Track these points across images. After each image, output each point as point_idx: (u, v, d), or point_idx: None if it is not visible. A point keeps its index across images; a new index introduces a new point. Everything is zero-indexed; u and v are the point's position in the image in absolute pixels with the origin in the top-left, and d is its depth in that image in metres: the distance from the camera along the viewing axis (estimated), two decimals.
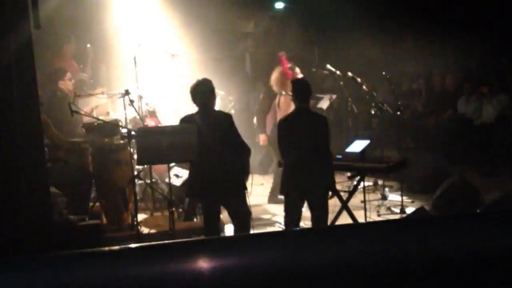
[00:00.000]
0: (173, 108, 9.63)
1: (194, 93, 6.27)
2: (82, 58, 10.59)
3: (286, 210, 6.61)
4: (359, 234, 3.13)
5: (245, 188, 6.28)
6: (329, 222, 7.29)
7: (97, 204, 7.70)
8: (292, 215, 6.53)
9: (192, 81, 6.42)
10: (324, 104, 9.45)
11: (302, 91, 6.57)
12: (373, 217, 8.08)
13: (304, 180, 6.36)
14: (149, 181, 8.04)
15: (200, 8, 11.70)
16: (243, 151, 6.29)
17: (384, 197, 8.93)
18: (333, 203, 7.02)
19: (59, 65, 9.65)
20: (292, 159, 6.41)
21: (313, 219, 6.58)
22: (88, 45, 10.33)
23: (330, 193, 6.71)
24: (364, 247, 2.92)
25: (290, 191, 6.49)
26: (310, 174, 6.33)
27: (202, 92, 6.26)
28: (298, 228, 6.37)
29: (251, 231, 6.41)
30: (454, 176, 8.22)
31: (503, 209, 6.70)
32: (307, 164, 6.33)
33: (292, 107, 6.94)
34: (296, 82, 6.87)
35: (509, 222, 3.07)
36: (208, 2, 11.72)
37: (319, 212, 6.51)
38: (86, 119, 8.18)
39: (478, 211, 7.21)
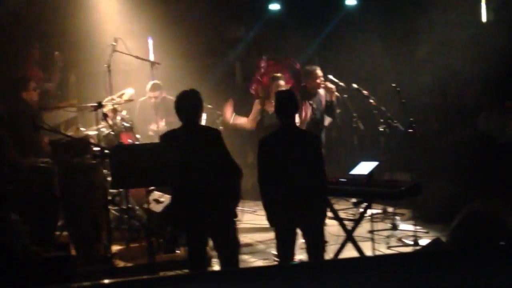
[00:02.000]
0: (153, 124, 9.63)
1: (179, 106, 6.26)
2: (48, 66, 10.59)
3: (277, 242, 6.53)
4: (365, 269, 3.13)
5: (235, 215, 6.26)
6: (332, 255, 7.29)
7: (65, 233, 7.66)
8: (284, 248, 6.47)
9: (175, 92, 6.41)
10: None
11: (286, 105, 6.45)
12: (382, 249, 8.07)
13: (291, 210, 6.26)
14: (125, 207, 8.01)
15: (185, 11, 11.76)
16: (233, 172, 6.27)
17: (394, 227, 8.93)
18: (337, 233, 7.02)
19: (22, 73, 9.60)
20: (275, 185, 6.31)
21: (308, 249, 6.54)
22: (57, 53, 10.35)
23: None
24: (370, 284, 2.92)
25: (278, 222, 6.42)
26: (298, 203, 6.22)
27: (188, 105, 6.24)
28: (292, 262, 6.35)
29: (243, 265, 6.39)
30: (474, 203, 8.23)
31: None
32: (294, 191, 6.21)
33: None
34: (279, 94, 6.70)
35: None
36: (193, 4, 11.77)
37: (314, 242, 6.46)
38: (53, 136, 8.16)
39: (502, 243, 7.20)
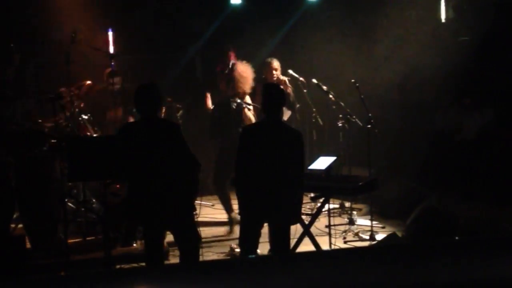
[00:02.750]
0: (111, 116, 9.55)
1: (138, 98, 6.21)
2: (5, 57, 10.42)
3: (241, 234, 6.55)
4: (321, 263, 3.14)
5: (194, 209, 6.24)
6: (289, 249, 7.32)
7: (20, 225, 7.57)
8: (248, 239, 6.48)
9: (134, 85, 6.37)
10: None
11: (275, 99, 6.47)
12: (339, 244, 8.13)
13: (264, 204, 6.27)
14: (81, 200, 7.94)
15: (146, 4, 11.69)
16: (192, 166, 6.25)
17: (351, 222, 8.96)
18: (294, 228, 7.04)
19: None
20: (251, 175, 6.33)
21: (272, 246, 6.57)
22: (12, 45, 10.19)
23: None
24: (326, 278, 2.93)
25: (247, 213, 6.44)
26: (272, 198, 6.23)
27: (147, 98, 6.19)
28: (254, 256, 6.35)
29: (200, 259, 6.38)
30: (430, 198, 8.33)
31: (483, 236, 6.81)
32: (269, 185, 6.23)
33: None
34: (268, 88, 6.72)
35: (490, 251, 3.11)
36: None
37: (279, 240, 6.49)
38: (9, 127, 8.05)
39: (456, 238, 7.30)
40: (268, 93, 6.49)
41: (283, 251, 6.41)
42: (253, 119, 8.60)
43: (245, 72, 8.69)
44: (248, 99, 8.79)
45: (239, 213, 6.54)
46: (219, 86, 8.97)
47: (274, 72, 9.20)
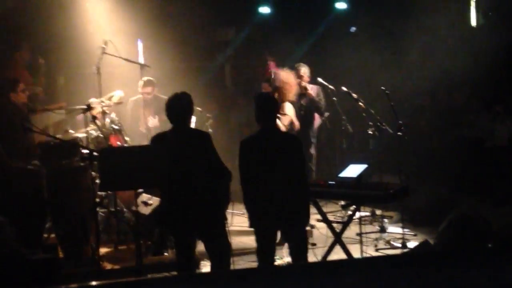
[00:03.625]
0: (145, 130, 9.61)
1: (170, 108, 6.24)
2: (35, 70, 10.55)
3: (257, 246, 6.46)
4: (354, 270, 3.12)
5: (225, 218, 6.24)
6: (320, 257, 7.29)
7: (53, 235, 7.63)
8: (263, 250, 6.41)
9: (165, 95, 6.40)
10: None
11: (267, 108, 6.43)
12: (370, 251, 8.08)
13: (273, 212, 6.22)
14: (113, 209, 7.98)
15: (175, 14, 11.75)
16: (223, 175, 6.25)
17: (382, 230, 8.92)
18: (324, 236, 7.02)
19: (10, 75, 9.55)
20: (256, 187, 6.28)
21: (290, 252, 6.53)
22: (40, 58, 10.32)
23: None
24: (359, 286, 2.91)
25: (258, 224, 6.38)
26: (279, 205, 6.18)
27: (178, 107, 6.22)
28: (282, 264, 6.33)
29: (231, 267, 6.36)
30: (462, 205, 8.25)
31: None
32: (275, 194, 6.19)
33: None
34: (260, 98, 6.65)
35: None
36: (182, 7, 11.76)
37: (295, 246, 6.45)
38: (41, 138, 8.13)
39: (489, 245, 7.22)
40: (261, 103, 6.45)
41: (301, 258, 6.37)
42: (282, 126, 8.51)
43: (287, 79, 8.64)
44: (287, 106, 8.66)
45: (250, 226, 6.47)
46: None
47: (298, 79, 9.16)
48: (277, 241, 6.62)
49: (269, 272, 3.58)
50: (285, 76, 8.66)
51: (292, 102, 8.76)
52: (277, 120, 7.93)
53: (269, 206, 6.20)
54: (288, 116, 8.53)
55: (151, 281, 3.96)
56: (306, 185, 6.48)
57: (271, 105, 6.48)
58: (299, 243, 6.43)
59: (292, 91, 8.64)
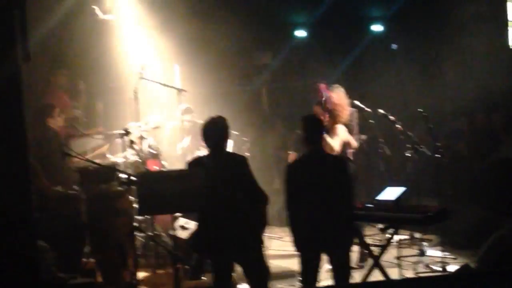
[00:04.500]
0: (180, 150, 9.65)
1: (206, 132, 6.27)
2: (75, 93, 10.68)
3: (301, 268, 6.45)
4: None
5: (262, 242, 6.22)
6: (358, 281, 7.22)
7: (91, 260, 7.66)
8: (308, 273, 6.39)
9: (202, 119, 6.42)
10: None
11: (313, 130, 6.45)
12: (409, 275, 7.97)
13: (319, 235, 6.22)
14: (151, 234, 8.00)
15: (211, 38, 11.82)
16: (260, 199, 6.24)
17: (422, 253, 8.84)
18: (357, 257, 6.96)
19: (47, 100, 9.67)
20: (302, 210, 6.27)
21: (334, 275, 6.49)
22: (81, 82, 10.45)
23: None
24: None
25: (303, 247, 6.38)
26: (325, 228, 6.18)
27: (215, 131, 6.25)
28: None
29: None
30: (503, 227, 8.12)
31: None
32: (321, 217, 6.18)
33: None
34: (307, 120, 6.63)
35: None
36: (218, 31, 11.83)
37: (339, 268, 6.40)
38: (80, 163, 8.20)
39: None
40: (307, 125, 6.46)
41: (344, 279, 6.33)
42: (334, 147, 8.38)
43: (339, 99, 8.57)
44: (339, 128, 8.56)
45: (296, 249, 6.45)
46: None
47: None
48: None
49: None
50: (337, 97, 8.60)
51: (346, 124, 8.67)
52: (330, 142, 7.91)
53: (313, 229, 6.18)
54: (338, 138, 8.44)
55: None
56: (351, 208, 6.45)
57: (317, 127, 6.48)
58: (343, 267, 6.39)
59: (344, 113, 8.56)
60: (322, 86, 8.68)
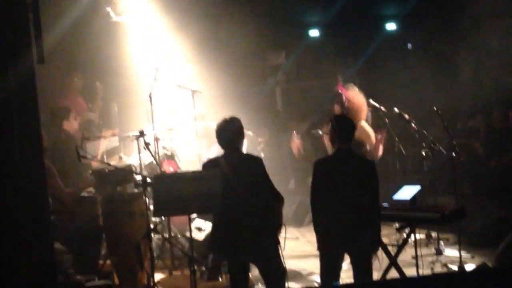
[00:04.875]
0: (195, 152, 9.66)
1: (220, 133, 6.28)
2: (91, 96, 10.72)
3: (322, 268, 6.46)
4: None
5: (278, 242, 6.21)
6: None
7: (108, 262, 7.69)
8: (330, 273, 6.40)
9: (216, 120, 6.42)
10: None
11: (345, 129, 6.45)
12: (427, 275, 7.94)
13: (343, 236, 6.23)
14: (167, 235, 8.02)
15: (225, 39, 11.83)
16: (275, 200, 6.24)
17: (439, 252, 8.79)
18: (380, 258, 6.92)
19: (63, 103, 9.72)
20: (327, 209, 6.29)
21: (355, 277, 6.48)
22: (98, 83, 10.49)
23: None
24: None
25: (326, 246, 6.38)
26: (350, 228, 6.19)
27: (229, 132, 6.25)
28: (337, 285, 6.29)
29: None
30: None
31: None
32: (346, 216, 6.19)
33: None
34: (338, 119, 6.69)
35: None
36: (233, 32, 11.84)
37: (361, 270, 6.39)
38: (95, 165, 8.23)
39: None
40: (336, 125, 6.46)
41: (365, 279, 6.32)
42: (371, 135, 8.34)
43: (356, 99, 8.56)
44: (364, 125, 8.53)
45: (318, 248, 6.45)
46: None
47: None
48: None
49: None
50: (353, 95, 8.58)
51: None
52: (367, 130, 7.93)
53: (338, 228, 6.19)
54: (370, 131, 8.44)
55: None
56: (377, 209, 6.44)
57: (346, 126, 6.48)
58: (364, 268, 6.37)
59: (362, 110, 8.55)
60: (340, 85, 8.67)
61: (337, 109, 8.52)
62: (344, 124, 6.51)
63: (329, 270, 6.39)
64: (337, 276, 6.42)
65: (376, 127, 9.25)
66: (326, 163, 6.46)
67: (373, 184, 6.35)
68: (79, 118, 9.35)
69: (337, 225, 6.22)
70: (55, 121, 8.87)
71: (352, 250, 6.40)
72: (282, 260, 6.26)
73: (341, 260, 6.47)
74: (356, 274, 6.45)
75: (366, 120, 8.91)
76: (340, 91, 8.52)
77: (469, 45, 11.46)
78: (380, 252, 7.46)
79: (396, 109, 9.25)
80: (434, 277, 6.68)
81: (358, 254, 6.38)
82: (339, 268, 6.44)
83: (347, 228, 6.20)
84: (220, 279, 7.70)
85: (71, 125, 8.90)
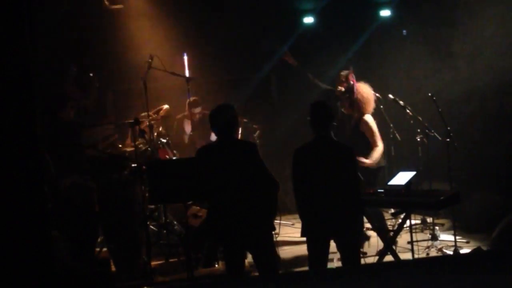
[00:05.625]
0: (189, 138, 9.69)
1: (213, 120, 6.27)
2: (85, 84, 10.70)
3: (309, 254, 6.47)
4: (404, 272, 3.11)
5: (273, 228, 6.25)
6: None
7: (105, 249, 7.71)
8: (315, 260, 6.42)
9: (211, 107, 6.43)
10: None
11: (322, 116, 6.42)
12: None
13: (325, 221, 6.25)
14: (163, 222, 8.04)
15: (219, 26, 11.81)
16: (270, 186, 6.24)
17: (434, 237, 8.82)
18: (375, 245, 6.98)
19: (58, 91, 9.69)
20: (308, 196, 6.31)
21: (343, 262, 6.51)
22: (91, 74, 10.47)
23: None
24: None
25: (310, 233, 6.41)
26: (332, 215, 6.21)
27: (223, 119, 6.24)
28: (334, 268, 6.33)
29: None
30: None
31: None
32: (327, 203, 6.21)
33: None
34: (314, 106, 6.57)
35: None
36: (227, 19, 11.82)
37: (347, 255, 6.42)
38: (91, 153, 8.24)
39: None
40: (314, 111, 6.45)
41: (353, 264, 6.35)
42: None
43: (366, 92, 8.60)
44: (368, 119, 8.58)
45: (302, 234, 6.47)
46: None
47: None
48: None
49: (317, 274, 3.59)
50: (364, 88, 8.62)
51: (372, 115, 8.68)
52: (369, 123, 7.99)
53: (321, 215, 6.21)
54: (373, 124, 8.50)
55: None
56: (358, 194, 6.44)
57: (324, 113, 6.45)
58: (351, 252, 6.41)
59: (370, 104, 8.59)
60: (351, 74, 8.70)
61: (344, 99, 8.56)
62: (322, 111, 6.47)
63: (316, 256, 6.41)
64: (324, 263, 6.44)
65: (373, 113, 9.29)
66: (305, 150, 6.45)
67: (352, 169, 6.36)
68: (75, 106, 9.31)
69: (319, 212, 6.25)
70: (51, 110, 8.83)
71: (335, 238, 6.43)
72: (276, 248, 6.28)
73: (326, 246, 6.46)
74: (343, 259, 6.48)
75: (374, 114, 8.91)
76: (351, 81, 8.57)
77: (464, 31, 11.44)
78: (377, 239, 7.54)
79: (391, 96, 9.28)
80: (429, 259, 6.74)
81: (343, 239, 6.40)
82: (325, 254, 6.43)
83: (329, 215, 6.21)
84: (216, 265, 7.74)
85: (67, 113, 8.85)
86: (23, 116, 4.94)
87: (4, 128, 4.80)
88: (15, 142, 4.85)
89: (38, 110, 5.31)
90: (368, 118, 8.51)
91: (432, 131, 9.13)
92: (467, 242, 8.74)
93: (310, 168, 6.30)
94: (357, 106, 8.50)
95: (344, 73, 8.84)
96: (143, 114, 8.70)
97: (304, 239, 7.03)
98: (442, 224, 9.50)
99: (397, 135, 9.77)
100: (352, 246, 6.42)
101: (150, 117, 8.73)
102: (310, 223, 6.33)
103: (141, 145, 8.46)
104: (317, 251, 6.40)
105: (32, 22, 5.03)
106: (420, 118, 9.27)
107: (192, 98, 9.76)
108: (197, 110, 9.91)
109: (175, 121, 10.08)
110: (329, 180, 6.23)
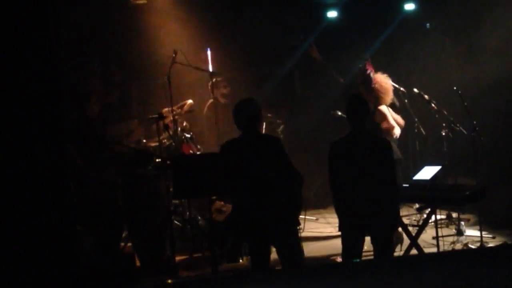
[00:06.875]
0: (214, 133, 9.68)
1: (237, 115, 6.25)
2: (109, 79, 10.75)
3: (343, 248, 6.47)
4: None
5: (298, 223, 6.22)
6: None
7: (129, 244, 7.74)
8: (351, 253, 6.40)
9: (235, 101, 6.42)
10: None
11: (358, 110, 6.41)
12: None
13: (362, 215, 6.23)
14: (187, 217, 8.05)
15: (243, 21, 11.80)
16: (295, 180, 6.21)
17: (459, 233, 8.76)
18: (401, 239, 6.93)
19: (83, 86, 9.75)
20: (345, 190, 6.30)
21: (374, 256, 6.48)
22: (115, 67, 10.51)
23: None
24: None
25: (346, 226, 6.40)
26: (368, 209, 6.18)
27: (246, 114, 6.23)
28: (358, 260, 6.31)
29: None
30: None
31: None
32: (364, 197, 6.18)
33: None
34: (351, 100, 6.60)
35: None
36: (251, 14, 11.81)
37: (381, 249, 6.39)
38: (116, 148, 8.26)
39: None
40: (350, 104, 6.45)
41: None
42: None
43: (385, 83, 8.54)
44: (384, 109, 8.52)
45: (339, 229, 6.46)
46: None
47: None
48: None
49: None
50: (382, 79, 8.56)
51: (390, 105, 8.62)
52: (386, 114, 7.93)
53: (358, 209, 6.19)
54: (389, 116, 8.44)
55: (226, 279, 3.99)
56: (395, 188, 6.40)
57: (360, 106, 6.44)
58: (385, 247, 6.39)
59: (388, 95, 8.53)
60: (369, 65, 8.66)
61: (362, 89, 8.51)
62: (358, 104, 6.47)
63: (350, 250, 6.40)
64: (358, 256, 6.43)
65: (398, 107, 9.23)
66: (340, 144, 6.45)
67: (388, 162, 6.33)
68: (99, 102, 9.35)
69: (355, 206, 6.23)
70: (76, 105, 8.87)
71: (372, 230, 6.40)
72: (300, 243, 6.26)
73: (361, 241, 6.47)
74: (376, 254, 6.46)
75: (393, 106, 8.83)
76: (369, 71, 8.52)
77: (490, 23, 11.33)
78: (402, 233, 7.49)
79: (415, 90, 9.22)
80: (455, 253, 6.69)
81: (378, 234, 6.38)
82: (360, 248, 6.45)
83: (364, 209, 6.19)
84: (240, 260, 7.74)
85: (92, 109, 8.87)
86: (50, 112, 4.95)
87: (31, 124, 4.82)
88: (42, 138, 4.88)
89: (64, 106, 5.33)
90: (383, 108, 8.45)
91: (458, 125, 9.06)
92: (493, 238, 8.66)
93: (347, 162, 6.28)
94: (374, 95, 8.44)
95: (361, 64, 8.81)
96: (166, 109, 8.70)
97: (329, 233, 7.05)
98: (468, 219, 9.43)
99: (422, 129, 9.70)
100: (387, 241, 6.40)
101: (174, 112, 8.74)
102: (347, 217, 6.31)
103: (165, 140, 8.47)
104: (352, 245, 6.38)
105: (57, 18, 5.04)
106: (445, 112, 9.20)
107: (214, 79, 9.69)
108: (225, 90, 9.90)
109: (204, 110, 10.01)
110: (367, 174, 6.20)
